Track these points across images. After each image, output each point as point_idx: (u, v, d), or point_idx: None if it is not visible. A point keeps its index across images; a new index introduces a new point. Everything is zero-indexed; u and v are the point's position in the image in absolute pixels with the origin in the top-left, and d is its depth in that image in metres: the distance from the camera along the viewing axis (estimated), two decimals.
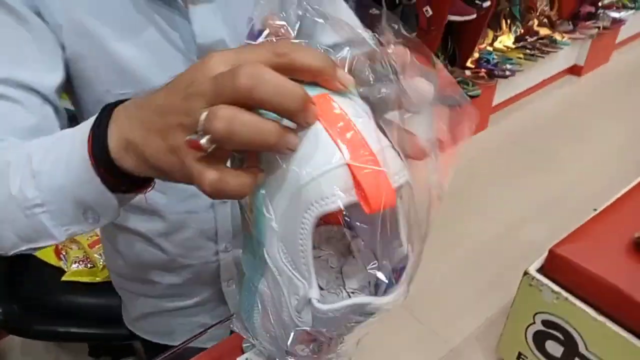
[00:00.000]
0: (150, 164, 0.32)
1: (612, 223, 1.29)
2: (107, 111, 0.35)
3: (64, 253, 1.19)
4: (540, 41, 3.03)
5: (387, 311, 0.32)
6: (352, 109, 0.30)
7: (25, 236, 0.42)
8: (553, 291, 1.21)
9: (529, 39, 3.01)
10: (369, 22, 0.33)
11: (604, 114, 3.01)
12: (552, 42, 3.05)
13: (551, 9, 3.24)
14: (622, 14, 3.42)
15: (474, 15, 2.34)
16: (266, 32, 0.33)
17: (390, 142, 0.31)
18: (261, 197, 0.31)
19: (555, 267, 1.23)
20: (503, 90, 2.86)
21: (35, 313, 1.15)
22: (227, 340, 0.71)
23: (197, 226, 0.73)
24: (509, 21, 3.00)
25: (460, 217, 1.94)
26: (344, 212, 0.28)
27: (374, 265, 0.34)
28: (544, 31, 3.13)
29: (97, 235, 1.19)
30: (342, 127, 0.29)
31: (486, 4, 2.37)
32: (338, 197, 0.28)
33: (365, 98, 0.32)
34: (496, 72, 2.70)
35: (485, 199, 2.26)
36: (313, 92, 0.29)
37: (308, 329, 0.32)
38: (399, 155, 0.30)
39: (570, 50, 3.20)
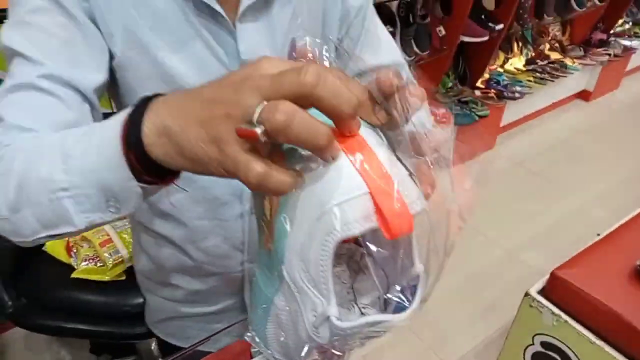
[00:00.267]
0: (184, 153, 0.33)
1: (614, 249, 1.31)
2: (144, 101, 0.36)
3: (74, 250, 1.21)
4: (551, 65, 3.06)
5: (401, 327, 0.34)
6: (373, 138, 0.32)
7: (47, 221, 0.42)
8: (553, 313, 1.22)
9: (540, 63, 3.05)
10: None
11: (610, 140, 3.03)
12: (563, 67, 3.08)
13: (563, 34, 3.27)
14: (633, 42, 3.45)
15: (487, 37, 2.37)
16: (307, 52, 0.35)
17: (408, 170, 0.33)
18: (284, 217, 0.33)
19: (556, 289, 1.25)
20: (511, 112, 2.89)
21: (43, 308, 1.17)
22: (235, 344, 0.72)
23: (225, 235, 0.74)
24: (520, 44, 3.04)
25: (462, 238, 1.94)
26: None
27: (387, 288, 0.37)
28: (554, 55, 3.16)
29: (108, 235, 1.21)
30: (364, 156, 0.31)
31: (499, 27, 2.40)
32: (360, 223, 0.30)
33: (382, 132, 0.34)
34: (506, 94, 2.73)
35: (488, 221, 2.27)
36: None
37: (324, 343, 0.34)
38: (416, 183, 0.33)
39: (580, 75, 3.23)
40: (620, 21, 3.55)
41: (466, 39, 2.35)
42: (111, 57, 0.58)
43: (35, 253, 1.23)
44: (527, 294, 1.29)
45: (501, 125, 2.88)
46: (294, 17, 0.64)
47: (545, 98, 3.13)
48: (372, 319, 0.33)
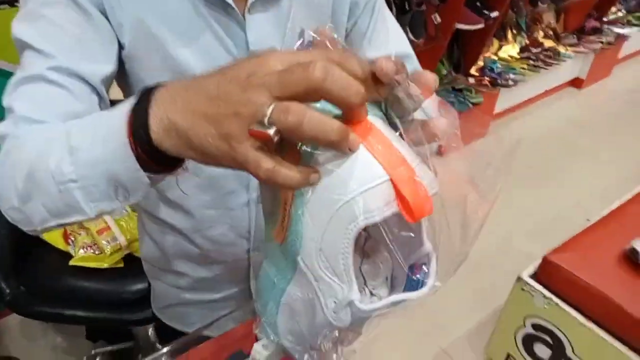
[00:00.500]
0: (194, 147, 0.33)
1: (604, 234, 1.34)
2: (147, 92, 0.36)
3: (72, 238, 1.22)
4: (545, 53, 3.07)
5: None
6: (386, 127, 0.33)
7: (57, 211, 0.43)
8: (544, 297, 1.25)
9: (533, 50, 3.05)
10: None
11: (602, 128, 3.06)
12: (556, 55, 3.09)
13: (557, 21, 3.28)
14: (625, 30, 3.46)
15: (482, 25, 2.38)
16: (315, 40, 0.35)
17: (418, 154, 0.34)
18: (301, 208, 0.34)
19: (548, 273, 1.27)
20: (505, 99, 2.90)
21: (42, 295, 1.18)
22: (238, 329, 0.74)
23: (231, 223, 0.74)
24: (514, 32, 3.04)
25: (455, 226, 1.96)
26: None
27: (392, 269, 0.38)
28: (548, 43, 3.17)
29: (106, 223, 1.22)
30: (381, 144, 0.32)
31: (494, 15, 2.40)
32: (382, 210, 0.31)
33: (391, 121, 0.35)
34: (499, 81, 2.75)
35: None
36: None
37: (345, 327, 0.35)
38: (429, 167, 0.34)
39: (572, 63, 3.24)
40: (613, 9, 3.57)
41: (461, 26, 2.35)
42: (120, 47, 0.59)
43: (33, 241, 1.24)
44: (519, 278, 1.32)
45: (494, 112, 2.90)
46: (303, 7, 0.64)
47: (538, 86, 3.14)
48: (393, 299, 0.35)
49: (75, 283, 1.17)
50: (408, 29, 2.12)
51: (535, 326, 1.30)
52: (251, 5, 0.60)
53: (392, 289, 0.41)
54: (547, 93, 3.29)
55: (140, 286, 1.16)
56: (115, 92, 0.64)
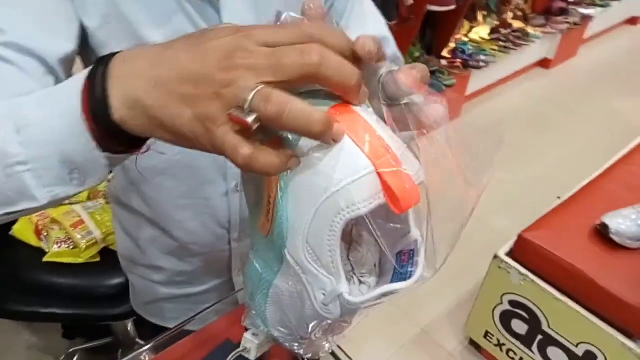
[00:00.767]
0: (164, 128, 0.31)
1: (576, 211, 1.38)
2: (103, 64, 0.33)
3: (44, 234, 1.18)
4: (514, 34, 3.11)
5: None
6: (370, 116, 0.32)
7: (5, 198, 0.38)
8: (520, 273, 1.29)
9: (503, 31, 3.09)
10: None
11: (570, 106, 3.13)
12: (525, 35, 3.13)
13: (525, 2, 3.32)
14: (591, 11, 3.54)
15: (454, 6, 2.38)
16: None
17: (404, 142, 0.33)
18: (285, 200, 0.33)
19: (523, 251, 1.31)
20: (476, 81, 2.94)
21: (15, 294, 1.14)
22: (223, 319, 0.73)
23: (210, 214, 0.72)
24: (484, 13, 3.07)
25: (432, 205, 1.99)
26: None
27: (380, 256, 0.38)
28: (517, 24, 3.21)
29: (79, 217, 1.18)
30: (366, 134, 0.31)
31: None
32: (369, 202, 0.30)
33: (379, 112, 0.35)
34: (471, 63, 2.77)
35: None
36: (332, 102, 0.32)
37: (335, 319, 0.35)
38: (415, 155, 0.33)
39: (541, 43, 3.30)
40: None
41: (434, 8, 2.35)
42: (84, 27, 0.55)
43: (3, 239, 1.19)
44: (495, 256, 1.35)
45: (467, 94, 2.94)
46: None
47: (508, 66, 3.19)
48: (384, 290, 0.34)
49: (50, 280, 1.13)
50: (380, 11, 2.11)
51: (512, 303, 1.34)
52: None
53: (381, 276, 0.41)
54: (517, 74, 3.35)
55: (118, 280, 1.13)
56: None
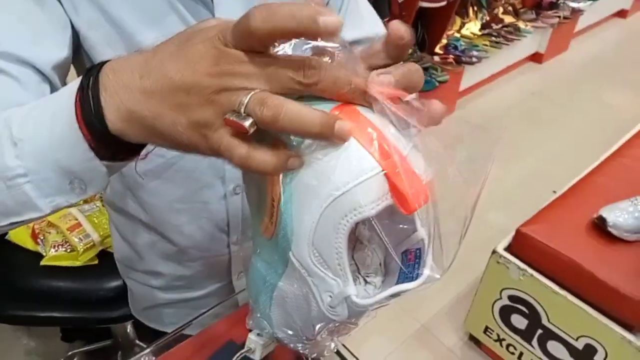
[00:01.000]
0: (161, 136, 0.31)
1: (573, 205, 1.38)
2: (94, 74, 0.33)
3: (41, 237, 1.16)
4: (505, 29, 3.12)
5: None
6: (375, 116, 0.31)
7: (7, 210, 0.38)
8: (519, 268, 1.29)
9: (495, 27, 3.10)
10: None
11: (562, 101, 3.15)
12: (516, 30, 3.14)
13: None
14: (580, 5, 3.56)
15: (444, 2, 2.38)
16: None
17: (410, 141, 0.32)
18: (289, 202, 0.33)
19: (522, 246, 1.31)
20: (469, 76, 2.94)
21: (13, 298, 1.13)
22: (223, 321, 0.72)
23: (208, 217, 0.71)
24: (475, 8, 3.07)
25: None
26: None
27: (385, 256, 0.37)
28: (508, 19, 3.22)
29: (76, 219, 1.17)
30: (372, 135, 0.30)
31: None
32: (376, 203, 0.30)
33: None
34: (463, 59, 2.78)
35: None
36: (335, 103, 0.31)
37: (342, 320, 0.34)
38: (421, 154, 0.32)
39: (532, 38, 3.31)
40: None
41: (425, 4, 2.35)
42: (77, 36, 0.54)
43: None
44: (494, 252, 1.35)
45: (460, 89, 2.94)
46: None
47: (500, 62, 3.20)
48: (393, 291, 0.34)
49: (48, 283, 1.12)
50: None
51: (511, 297, 1.34)
52: None
53: (386, 275, 0.40)
54: (509, 69, 3.36)
55: (116, 283, 1.12)
56: None
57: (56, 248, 1.14)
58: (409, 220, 0.36)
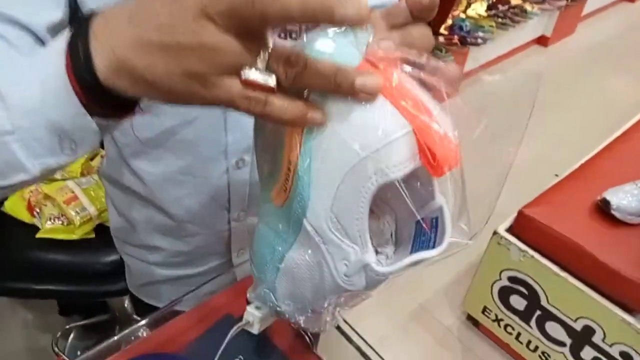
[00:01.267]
0: (154, 88, 0.30)
1: (576, 187, 1.37)
2: (85, 24, 0.31)
3: (37, 210, 1.15)
4: (512, 10, 3.07)
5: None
6: (403, 75, 0.30)
7: None
8: (520, 249, 1.28)
9: (501, 8, 3.05)
10: None
11: (567, 84, 3.11)
12: (523, 12, 3.09)
13: None
14: None
15: None
16: None
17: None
18: (308, 165, 0.31)
19: (523, 227, 1.30)
20: (474, 58, 2.90)
21: (9, 270, 1.12)
22: (220, 295, 0.71)
23: (209, 193, 0.70)
24: None
25: None
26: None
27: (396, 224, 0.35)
28: (515, 0, 3.17)
29: (73, 192, 1.16)
30: (400, 91, 0.28)
31: None
32: (404, 165, 0.28)
33: None
34: (469, 40, 2.74)
35: None
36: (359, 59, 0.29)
37: (357, 290, 0.33)
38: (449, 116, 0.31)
39: (538, 20, 3.26)
40: None
41: None
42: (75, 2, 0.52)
43: None
44: (495, 232, 1.34)
45: (464, 71, 2.90)
46: None
47: (506, 44, 3.16)
48: (412, 259, 0.32)
49: (44, 256, 1.11)
50: None
51: (511, 279, 1.34)
52: None
53: (397, 245, 0.39)
54: (514, 51, 3.32)
55: (113, 257, 1.12)
56: None
57: (52, 221, 1.13)
58: (428, 187, 0.34)
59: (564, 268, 1.22)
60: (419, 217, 0.33)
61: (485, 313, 1.46)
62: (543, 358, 1.35)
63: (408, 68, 0.30)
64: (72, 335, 1.48)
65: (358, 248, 0.31)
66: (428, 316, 1.67)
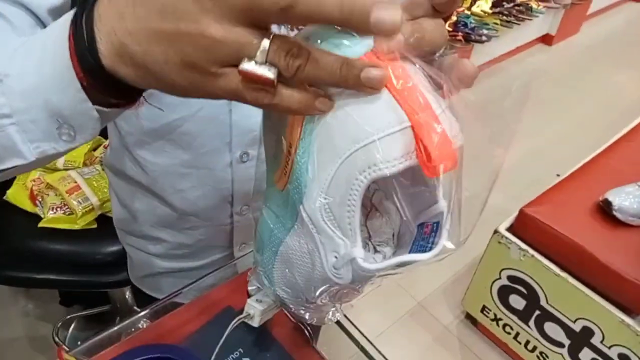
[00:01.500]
0: (155, 77, 0.29)
1: (578, 187, 1.37)
2: (90, 4, 0.30)
3: (40, 199, 1.15)
4: (517, 8, 3.06)
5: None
6: (412, 69, 0.29)
7: None
8: (520, 249, 1.28)
9: (506, 5, 3.03)
10: None
11: (570, 83, 3.11)
12: (528, 10, 3.08)
13: None
14: None
15: None
16: None
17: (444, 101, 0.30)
18: (306, 152, 0.31)
19: (524, 226, 1.30)
20: (478, 55, 2.89)
21: (10, 259, 1.13)
22: (222, 287, 0.71)
23: (212, 185, 0.69)
24: None
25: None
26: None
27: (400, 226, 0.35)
28: None
29: (75, 182, 1.16)
30: (405, 85, 0.28)
31: None
32: (398, 161, 0.27)
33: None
34: (473, 37, 2.72)
35: None
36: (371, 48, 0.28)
37: (344, 284, 0.33)
38: (455, 116, 0.30)
39: (543, 19, 3.24)
40: None
41: None
42: None
43: None
44: (496, 231, 1.34)
45: None
46: None
47: (510, 42, 3.14)
48: (401, 259, 0.31)
49: (46, 246, 1.11)
50: None
51: (510, 278, 1.34)
52: None
53: (398, 247, 0.39)
54: (518, 49, 3.30)
55: (115, 248, 1.12)
56: None
57: (54, 210, 1.13)
58: (432, 190, 0.33)
59: (564, 268, 1.22)
60: (408, 217, 0.32)
61: (484, 312, 1.47)
62: (541, 358, 1.36)
63: (415, 63, 0.29)
64: (72, 326, 1.48)
65: (348, 241, 0.31)
66: (426, 314, 1.67)
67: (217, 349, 0.52)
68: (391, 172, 0.27)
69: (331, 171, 0.29)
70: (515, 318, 1.38)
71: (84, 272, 1.14)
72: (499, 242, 1.33)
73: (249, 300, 0.51)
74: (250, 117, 0.64)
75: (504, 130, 0.33)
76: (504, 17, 2.97)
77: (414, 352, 1.59)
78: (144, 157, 0.68)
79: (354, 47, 0.28)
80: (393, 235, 0.38)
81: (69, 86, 0.31)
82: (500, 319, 1.42)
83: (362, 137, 0.27)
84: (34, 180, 1.18)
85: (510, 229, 1.34)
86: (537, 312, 1.31)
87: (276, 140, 0.35)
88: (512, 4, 3.06)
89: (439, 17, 0.30)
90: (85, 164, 1.25)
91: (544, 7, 3.16)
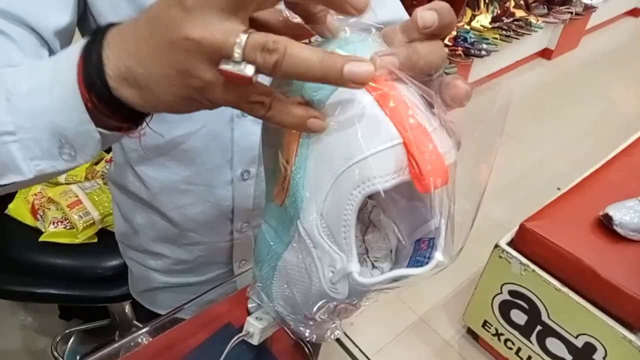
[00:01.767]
0: (159, 99, 0.30)
1: (578, 202, 1.37)
2: (100, 33, 0.31)
3: (41, 213, 1.15)
4: (516, 23, 3.09)
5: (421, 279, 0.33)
6: (404, 88, 0.29)
7: None
8: (521, 263, 1.28)
9: (505, 20, 3.06)
10: None
11: (570, 97, 3.12)
12: (527, 25, 3.11)
13: None
14: (593, 1, 3.51)
15: None
16: None
17: (438, 118, 0.30)
18: (302, 168, 0.31)
19: (525, 241, 1.30)
20: (478, 70, 2.91)
21: (10, 273, 1.12)
22: (222, 303, 0.71)
23: (213, 202, 0.70)
24: (487, 1, 3.03)
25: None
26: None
27: (398, 241, 0.35)
28: (519, 13, 3.18)
29: (77, 197, 1.16)
30: (395, 102, 0.28)
31: None
32: (391, 176, 0.28)
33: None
34: (472, 51, 2.75)
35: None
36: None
37: (341, 299, 0.33)
38: (448, 134, 0.30)
39: (542, 33, 3.27)
40: None
41: None
42: (84, 1, 0.53)
43: None
44: (496, 246, 1.34)
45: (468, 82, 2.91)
46: None
47: (509, 56, 3.17)
48: (396, 274, 0.31)
49: (46, 260, 1.11)
50: None
51: (511, 293, 1.33)
52: None
53: (396, 263, 0.39)
54: (517, 63, 3.33)
55: (115, 262, 1.12)
56: None
57: (55, 224, 1.13)
58: (427, 206, 0.34)
59: (565, 283, 1.22)
60: (400, 235, 0.32)
61: (486, 327, 1.46)
62: None
63: (408, 82, 0.30)
64: (71, 340, 1.47)
65: (344, 256, 0.31)
66: (427, 329, 1.66)
67: None
68: (384, 187, 0.28)
69: (326, 188, 0.30)
70: (516, 333, 1.37)
71: (85, 286, 1.14)
72: (500, 257, 1.33)
73: (248, 318, 0.51)
74: (252, 134, 0.64)
75: (488, 145, 0.33)
76: (504, 32, 3.01)
77: None
78: (145, 172, 0.68)
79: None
80: (391, 251, 0.39)
81: (74, 109, 0.32)
82: (502, 334, 1.42)
83: (356, 153, 0.28)
84: (35, 195, 1.18)
85: (511, 244, 1.34)
86: (539, 328, 1.30)
87: (274, 155, 0.36)
88: (511, 19, 3.10)
89: (436, 40, 0.31)
90: (86, 178, 1.25)
91: (543, 22, 3.20)
